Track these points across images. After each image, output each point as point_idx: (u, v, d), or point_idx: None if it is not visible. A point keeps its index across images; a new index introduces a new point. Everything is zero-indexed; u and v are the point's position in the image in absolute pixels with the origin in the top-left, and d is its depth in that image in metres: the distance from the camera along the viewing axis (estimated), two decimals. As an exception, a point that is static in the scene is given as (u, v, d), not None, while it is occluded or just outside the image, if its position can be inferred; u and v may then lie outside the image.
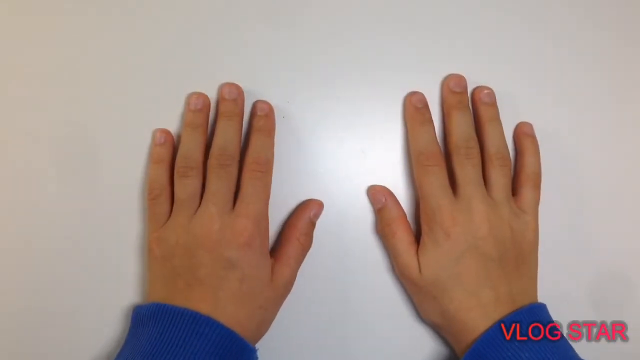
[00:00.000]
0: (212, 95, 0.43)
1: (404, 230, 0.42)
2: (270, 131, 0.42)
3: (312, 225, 0.42)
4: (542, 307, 0.40)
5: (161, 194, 0.41)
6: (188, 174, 0.40)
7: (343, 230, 0.43)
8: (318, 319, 0.43)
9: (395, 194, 0.43)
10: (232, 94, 0.42)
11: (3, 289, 0.42)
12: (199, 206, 0.39)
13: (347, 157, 0.44)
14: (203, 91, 0.42)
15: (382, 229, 0.42)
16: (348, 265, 0.43)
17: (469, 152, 0.41)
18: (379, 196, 0.43)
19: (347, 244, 0.43)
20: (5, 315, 0.42)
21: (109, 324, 0.42)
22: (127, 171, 0.43)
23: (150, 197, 0.41)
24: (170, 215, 0.40)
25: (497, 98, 0.43)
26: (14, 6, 0.43)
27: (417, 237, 0.42)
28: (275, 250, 0.41)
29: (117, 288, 0.42)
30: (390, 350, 0.43)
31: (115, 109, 0.43)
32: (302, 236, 0.41)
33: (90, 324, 0.42)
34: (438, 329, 0.42)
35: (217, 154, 0.40)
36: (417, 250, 0.41)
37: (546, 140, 0.44)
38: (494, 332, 0.37)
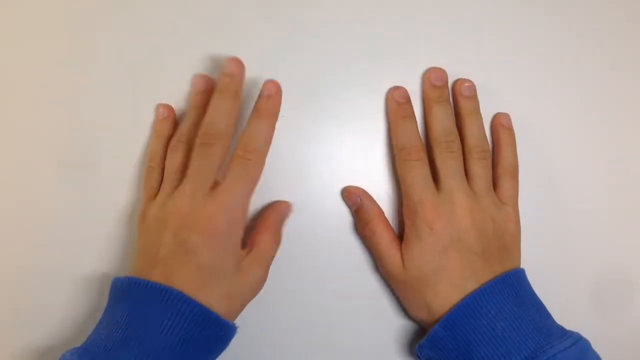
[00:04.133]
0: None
1: (384, 228, 0.42)
2: (271, 116, 0.39)
3: (281, 224, 0.42)
4: (520, 274, 0.40)
5: (157, 166, 0.41)
6: (175, 150, 0.39)
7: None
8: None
9: (387, 192, 0.43)
10: (229, 68, 0.39)
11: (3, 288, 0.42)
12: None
13: (339, 156, 0.44)
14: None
15: (362, 229, 0.42)
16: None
17: (449, 145, 0.41)
18: (353, 197, 0.42)
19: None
20: (5, 315, 0.42)
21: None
22: (127, 171, 0.42)
23: (147, 167, 0.41)
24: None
25: (477, 90, 0.43)
26: (14, 6, 0.42)
27: (398, 234, 0.42)
28: (246, 243, 0.40)
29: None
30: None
31: (116, 109, 0.43)
32: (272, 234, 0.40)
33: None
34: (425, 326, 0.42)
35: (202, 132, 0.38)
36: (399, 246, 0.41)
37: (543, 138, 0.45)
38: (469, 302, 0.38)
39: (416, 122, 0.42)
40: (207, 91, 0.41)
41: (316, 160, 0.43)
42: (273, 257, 0.40)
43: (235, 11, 0.43)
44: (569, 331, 0.39)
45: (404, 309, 0.43)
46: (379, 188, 0.43)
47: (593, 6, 0.46)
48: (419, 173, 0.40)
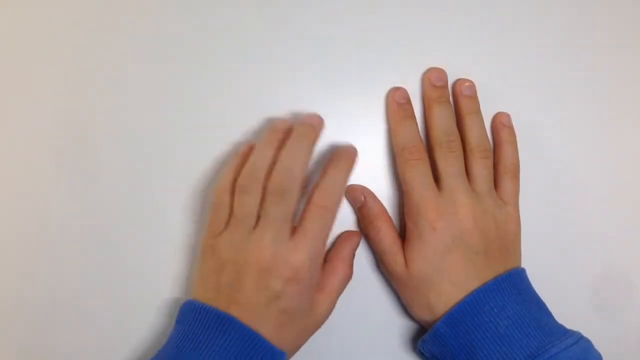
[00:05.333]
0: (212, 99, 0.43)
1: (388, 226, 0.42)
2: (350, 168, 0.40)
3: (354, 256, 0.42)
4: (521, 273, 0.40)
5: (226, 203, 0.39)
6: (247, 191, 0.38)
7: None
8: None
9: (387, 193, 0.44)
10: (311, 120, 0.40)
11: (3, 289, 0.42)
12: (256, 224, 0.38)
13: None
14: (204, 92, 0.43)
15: (366, 227, 0.43)
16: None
17: (450, 145, 0.41)
18: (357, 195, 0.43)
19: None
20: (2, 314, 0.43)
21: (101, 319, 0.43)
22: (128, 171, 0.43)
23: (216, 203, 0.40)
24: (226, 225, 0.39)
25: (477, 89, 0.43)
26: (14, 6, 0.43)
27: (400, 233, 0.42)
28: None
29: (114, 287, 0.43)
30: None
31: (116, 110, 0.43)
32: (347, 267, 0.41)
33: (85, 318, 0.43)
34: (427, 326, 0.42)
35: (279, 178, 0.38)
36: (402, 246, 0.41)
37: (543, 138, 0.45)
38: (472, 300, 0.38)
39: (416, 122, 0.43)
40: (285, 131, 0.40)
41: (317, 162, 0.43)
42: (343, 289, 0.41)
43: (234, 11, 0.43)
44: (570, 330, 0.39)
45: (405, 309, 0.43)
46: (380, 189, 0.43)
47: (593, 6, 0.46)
48: (420, 173, 0.41)
